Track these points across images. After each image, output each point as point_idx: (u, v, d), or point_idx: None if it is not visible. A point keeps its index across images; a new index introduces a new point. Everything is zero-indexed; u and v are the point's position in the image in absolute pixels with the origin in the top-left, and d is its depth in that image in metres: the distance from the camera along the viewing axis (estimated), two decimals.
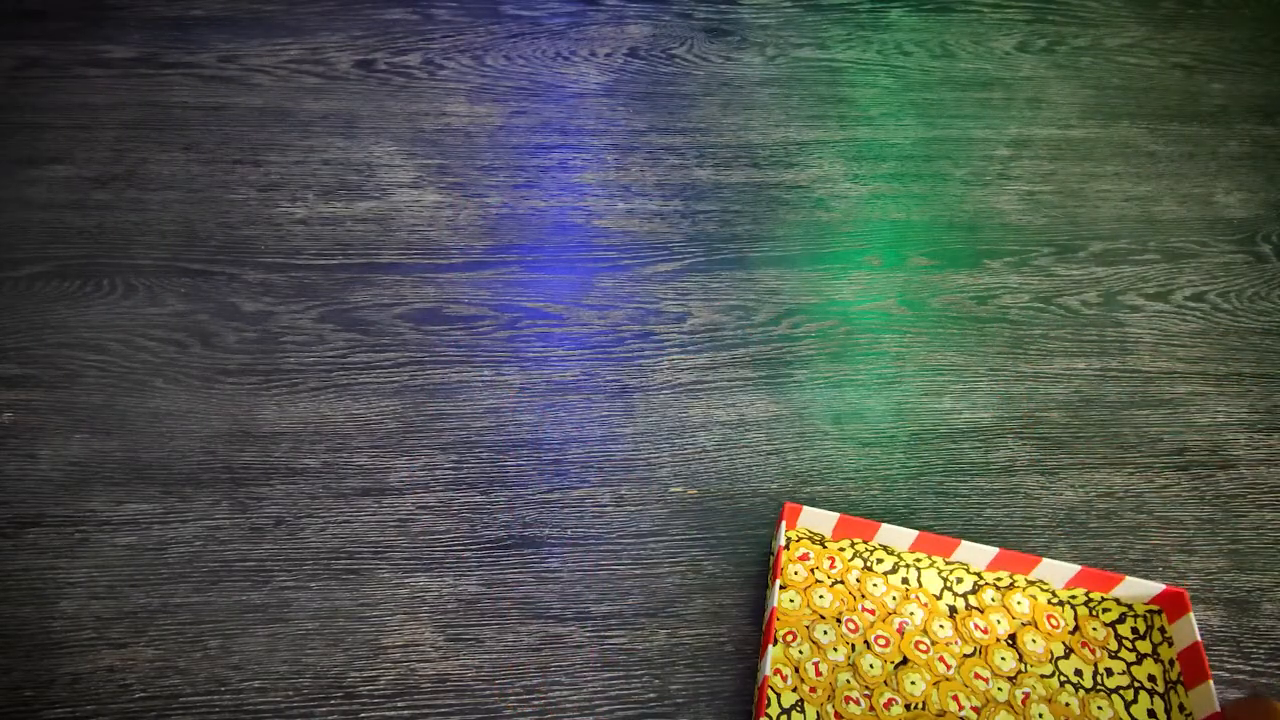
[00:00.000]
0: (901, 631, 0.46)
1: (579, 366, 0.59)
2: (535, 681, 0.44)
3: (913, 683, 0.44)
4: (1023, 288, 0.66)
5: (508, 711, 0.43)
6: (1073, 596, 0.48)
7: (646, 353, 0.60)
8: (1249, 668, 0.47)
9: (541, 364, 0.59)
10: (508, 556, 0.49)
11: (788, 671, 0.44)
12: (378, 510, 0.50)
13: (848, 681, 0.44)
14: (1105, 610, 0.47)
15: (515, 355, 0.59)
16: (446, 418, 0.55)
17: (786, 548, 0.48)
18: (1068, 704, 0.44)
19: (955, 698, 0.44)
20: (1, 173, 0.67)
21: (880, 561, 0.48)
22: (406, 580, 0.48)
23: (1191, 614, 0.44)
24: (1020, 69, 0.85)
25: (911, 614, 0.47)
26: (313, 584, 0.47)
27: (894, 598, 0.47)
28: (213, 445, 0.53)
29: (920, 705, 0.44)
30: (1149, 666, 0.45)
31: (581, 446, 0.54)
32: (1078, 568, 0.46)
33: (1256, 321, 0.65)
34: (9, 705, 0.43)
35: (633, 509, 0.51)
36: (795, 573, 0.48)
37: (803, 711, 0.43)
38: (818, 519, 0.48)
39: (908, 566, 0.48)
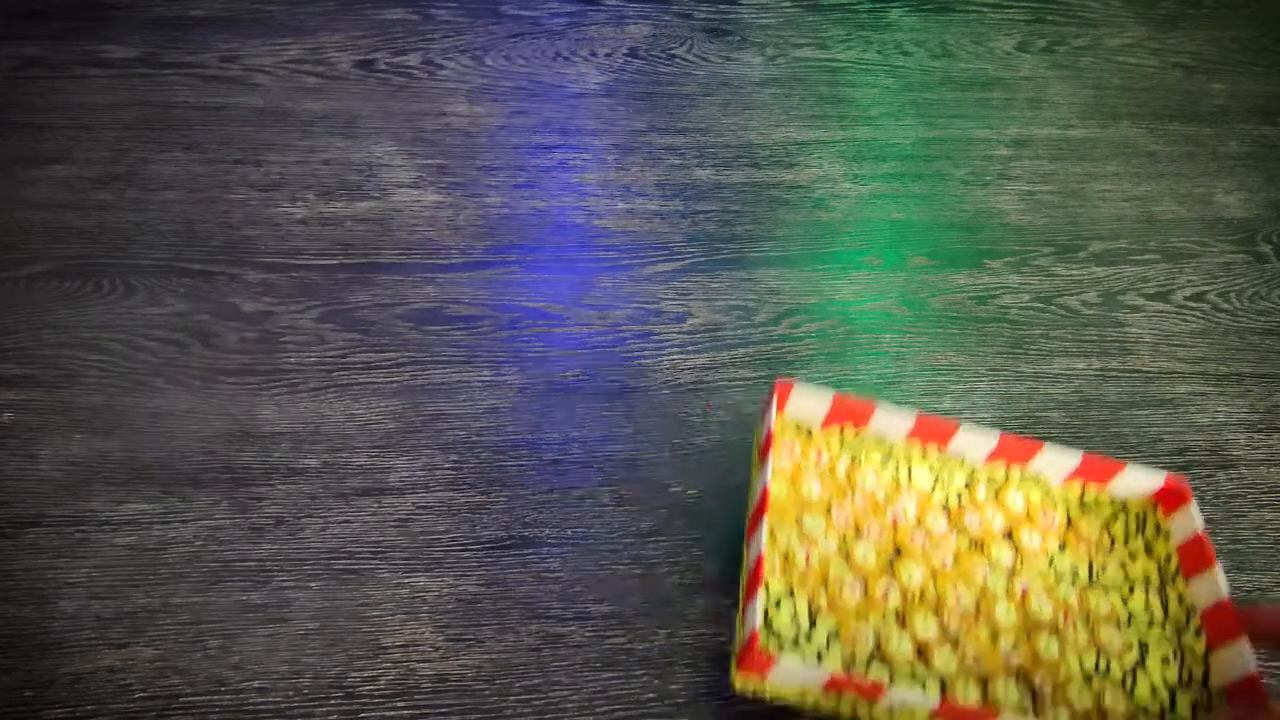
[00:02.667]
0: (895, 524, 0.45)
1: (579, 366, 0.59)
2: (535, 681, 0.44)
3: (910, 575, 0.43)
4: (1023, 288, 0.66)
5: (508, 711, 0.43)
6: (1067, 494, 0.46)
7: (646, 353, 0.60)
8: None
9: (541, 364, 0.59)
10: (508, 556, 0.49)
11: (776, 561, 0.42)
12: (378, 510, 0.50)
13: (841, 571, 0.42)
14: (1099, 507, 0.46)
15: (515, 355, 0.59)
16: (446, 418, 0.55)
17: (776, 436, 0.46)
18: (1065, 597, 0.43)
19: (955, 587, 0.43)
20: (1, 173, 0.67)
21: (870, 455, 0.47)
22: (406, 580, 0.48)
23: (1192, 503, 0.43)
24: (1020, 69, 0.85)
25: (905, 508, 0.45)
26: (313, 584, 0.47)
27: (884, 491, 0.46)
28: (213, 445, 0.53)
29: (919, 595, 0.42)
30: (1143, 563, 0.44)
31: (581, 446, 0.54)
32: (1079, 455, 0.44)
33: (1257, 321, 0.66)
34: (9, 705, 0.43)
35: (633, 509, 0.51)
36: (781, 462, 0.46)
37: (793, 599, 0.41)
38: (810, 397, 0.46)
39: (898, 462, 0.46)
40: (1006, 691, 0.39)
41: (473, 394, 0.57)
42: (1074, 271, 0.68)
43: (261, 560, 0.48)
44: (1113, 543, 0.45)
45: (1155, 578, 0.44)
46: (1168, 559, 0.44)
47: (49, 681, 0.43)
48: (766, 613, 0.40)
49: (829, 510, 0.44)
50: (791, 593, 0.41)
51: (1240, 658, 0.38)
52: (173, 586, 0.47)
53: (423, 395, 0.56)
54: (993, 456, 0.46)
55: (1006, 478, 0.46)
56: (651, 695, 0.44)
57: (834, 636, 0.40)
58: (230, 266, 0.62)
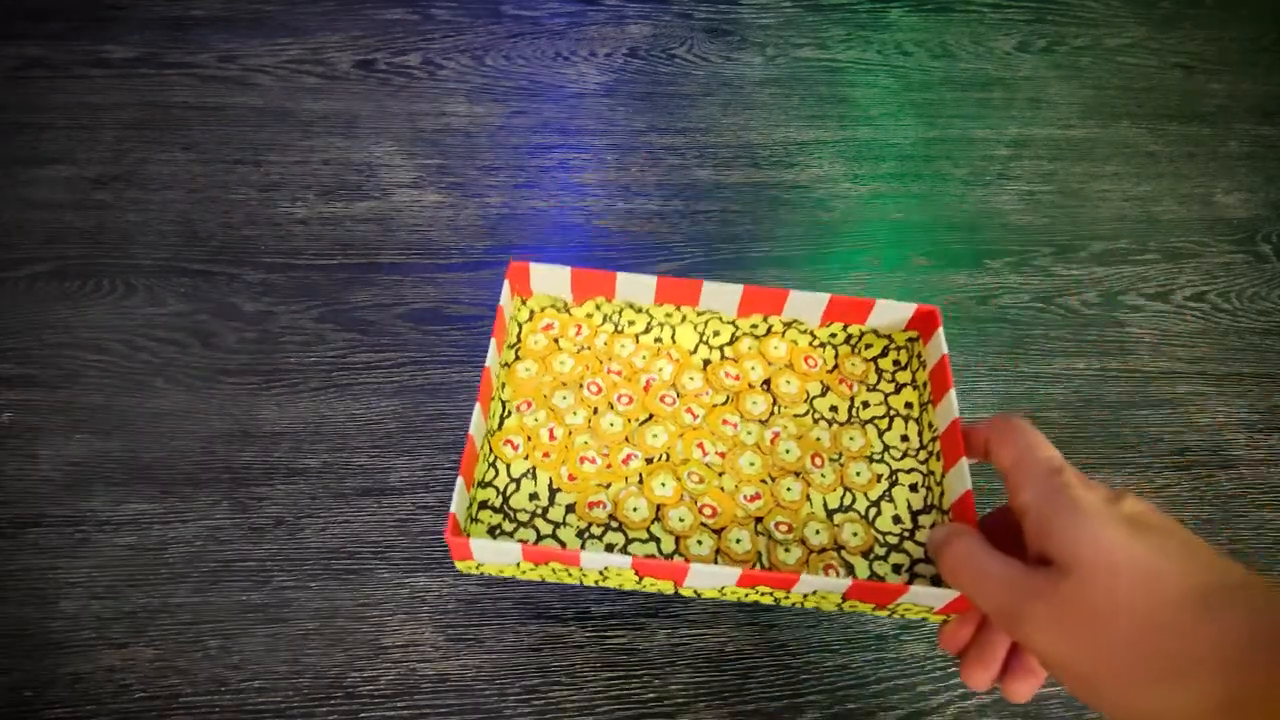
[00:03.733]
0: (648, 388, 0.44)
1: None
2: (535, 681, 0.44)
3: (654, 435, 0.42)
4: (1023, 288, 0.66)
5: (508, 711, 0.43)
6: (833, 335, 0.46)
7: None
8: None
9: None
10: None
11: (519, 440, 0.41)
12: (378, 510, 0.50)
13: (585, 443, 0.42)
14: (867, 346, 0.45)
15: None
16: (446, 418, 0.55)
17: (529, 320, 0.46)
18: (819, 438, 0.42)
19: (700, 445, 0.42)
20: (1, 173, 0.67)
21: (631, 324, 0.45)
22: (406, 580, 0.48)
23: (940, 330, 0.43)
24: (1020, 69, 0.85)
25: (660, 369, 0.44)
26: (313, 584, 0.47)
27: (644, 356, 0.45)
28: (213, 445, 0.53)
29: (663, 456, 0.42)
30: (906, 394, 0.44)
31: None
32: (827, 297, 0.44)
33: (1257, 321, 0.66)
34: (9, 705, 0.43)
35: None
36: (535, 342, 0.45)
37: (534, 478, 0.40)
38: (550, 276, 0.44)
39: (660, 325, 0.45)
40: (738, 541, 0.39)
41: (473, 394, 0.57)
42: (1074, 271, 0.68)
43: (261, 560, 0.48)
44: (880, 377, 0.45)
45: (916, 408, 0.44)
46: (924, 387, 0.44)
47: (49, 681, 0.43)
48: (506, 492, 0.40)
49: (581, 385, 0.43)
50: (534, 472, 0.41)
51: (961, 477, 0.38)
52: (173, 586, 0.47)
53: (423, 395, 0.56)
54: (744, 309, 0.45)
55: (769, 329, 0.46)
56: (652, 695, 0.44)
57: (570, 509, 0.40)
58: (230, 266, 0.62)
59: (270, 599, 0.47)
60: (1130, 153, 0.78)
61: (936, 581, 0.38)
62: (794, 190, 0.72)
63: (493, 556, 0.36)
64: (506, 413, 0.42)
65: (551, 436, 0.41)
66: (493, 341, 0.41)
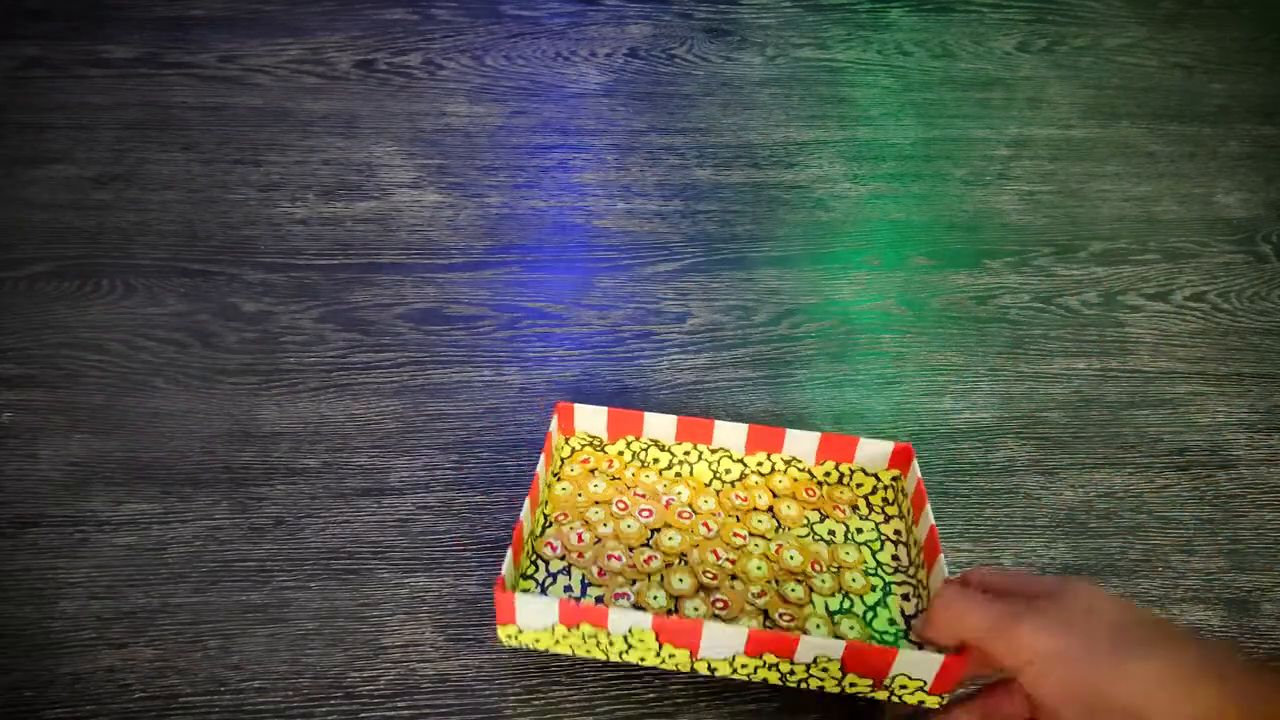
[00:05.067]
0: (668, 506, 0.50)
1: (579, 366, 0.59)
2: (535, 681, 0.44)
3: (671, 538, 0.48)
4: (1023, 288, 0.66)
5: (508, 711, 0.43)
6: (827, 474, 0.52)
7: (646, 353, 0.60)
8: None
9: (541, 364, 0.59)
10: None
11: (558, 544, 0.47)
12: (378, 510, 0.50)
13: (613, 546, 0.47)
14: (858, 486, 0.51)
15: (515, 355, 0.59)
16: (446, 418, 0.55)
17: (570, 455, 0.52)
18: (818, 552, 0.48)
19: (714, 551, 0.47)
20: (1, 173, 0.67)
21: (656, 460, 0.52)
22: (406, 580, 0.48)
23: (915, 463, 0.48)
24: (1020, 69, 0.85)
25: (679, 493, 0.50)
26: (313, 584, 0.47)
27: (665, 484, 0.51)
28: (213, 445, 0.53)
29: (679, 558, 0.47)
30: (894, 524, 0.50)
31: None
32: (818, 436, 0.50)
33: (1256, 321, 0.65)
34: (9, 705, 0.43)
35: None
36: (573, 470, 0.51)
37: (569, 574, 0.46)
38: (590, 416, 0.52)
39: (680, 462, 0.52)
40: (746, 624, 0.44)
41: (473, 394, 0.57)
42: (1074, 271, 0.68)
43: (261, 560, 0.48)
44: (870, 509, 0.50)
45: (905, 534, 0.49)
46: (908, 513, 0.49)
47: (49, 681, 0.43)
48: (544, 584, 0.45)
49: (610, 504, 0.49)
50: (569, 570, 0.46)
51: (939, 572, 0.43)
52: (173, 586, 0.47)
53: (423, 395, 0.56)
54: (751, 446, 0.52)
55: (773, 467, 0.52)
56: (652, 695, 0.44)
57: (599, 600, 0.45)
58: (230, 266, 0.62)
59: (270, 599, 0.47)
60: (1130, 153, 0.78)
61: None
62: (794, 190, 0.72)
63: (532, 616, 0.40)
64: (548, 523, 0.48)
65: (579, 539, 0.47)
66: (542, 456, 0.47)
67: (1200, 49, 0.88)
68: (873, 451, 0.51)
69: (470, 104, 0.76)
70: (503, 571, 0.41)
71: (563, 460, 0.52)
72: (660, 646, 0.40)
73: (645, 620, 0.39)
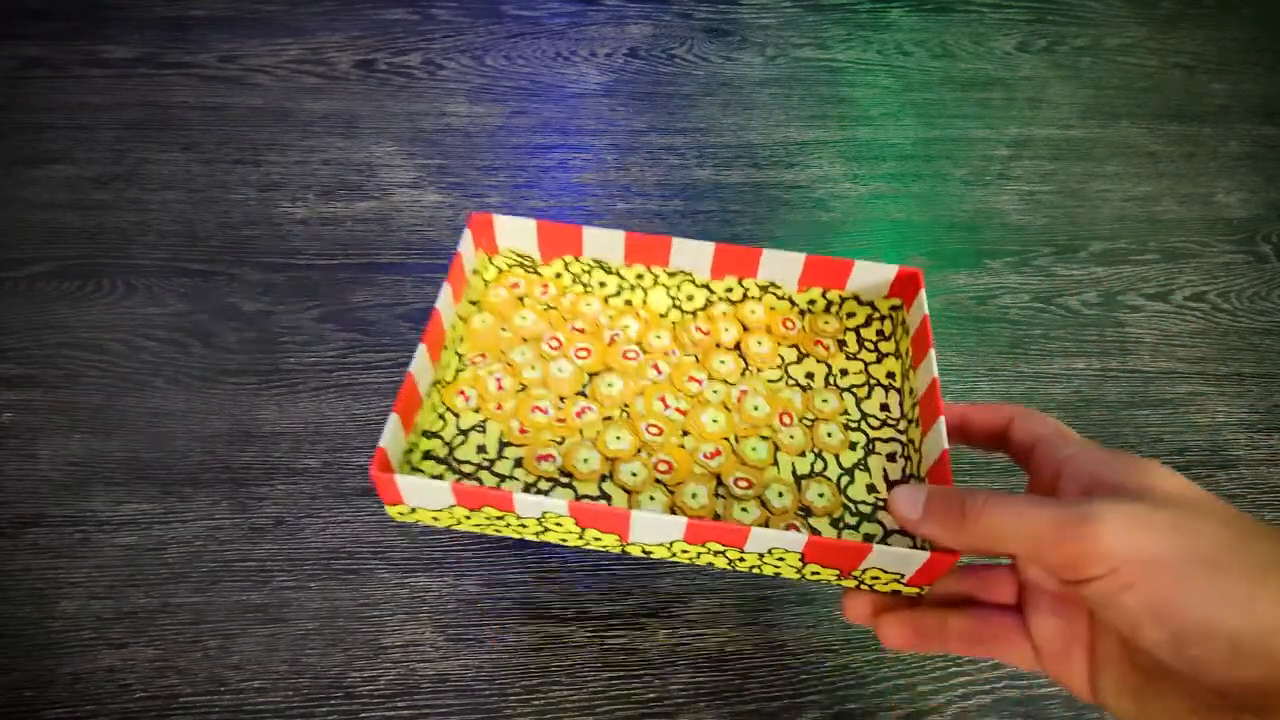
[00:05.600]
0: (611, 343, 0.41)
1: None
2: (535, 681, 0.44)
3: (609, 385, 0.39)
4: (1023, 288, 0.66)
5: (508, 711, 0.43)
6: (812, 303, 0.42)
7: None
8: None
9: None
10: (508, 556, 0.49)
11: (472, 392, 0.39)
12: (378, 510, 0.50)
13: (540, 394, 0.39)
14: (849, 316, 0.42)
15: None
16: None
17: (495, 277, 0.43)
18: (789, 399, 0.40)
19: (662, 398, 0.39)
20: (1, 173, 0.67)
21: (602, 285, 0.43)
22: (406, 580, 0.48)
23: (923, 293, 0.40)
24: (1020, 69, 0.85)
25: (625, 327, 0.42)
26: (313, 584, 0.47)
27: (610, 315, 0.42)
28: (213, 445, 0.53)
29: (622, 411, 0.39)
30: (888, 364, 0.41)
31: None
32: (803, 257, 0.41)
33: (1257, 321, 0.65)
34: (9, 705, 0.43)
35: None
36: (497, 295, 0.42)
37: (484, 431, 0.38)
38: (516, 231, 0.42)
39: (631, 287, 0.43)
40: (694, 496, 0.36)
41: None
42: (1074, 271, 0.68)
43: (261, 560, 0.48)
44: (861, 345, 0.42)
45: (899, 378, 0.40)
46: (906, 354, 0.40)
47: (49, 681, 0.43)
48: (453, 444, 0.37)
49: (541, 341, 0.41)
50: (484, 425, 0.38)
51: (937, 438, 0.35)
52: (173, 586, 0.47)
53: None
54: (718, 269, 0.42)
55: (745, 294, 0.43)
56: (652, 695, 0.44)
57: (519, 463, 0.37)
58: (230, 266, 0.62)
59: (270, 599, 0.47)
60: (1130, 153, 0.78)
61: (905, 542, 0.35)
62: (794, 190, 0.72)
63: (421, 498, 0.33)
64: (462, 366, 0.40)
65: (499, 386, 0.39)
66: (446, 286, 0.38)
67: (1200, 49, 0.88)
68: (872, 277, 0.42)
69: (470, 104, 0.76)
70: (383, 442, 0.32)
71: (486, 283, 0.43)
72: (583, 531, 0.33)
73: (560, 506, 0.31)
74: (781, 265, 0.41)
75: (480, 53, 0.81)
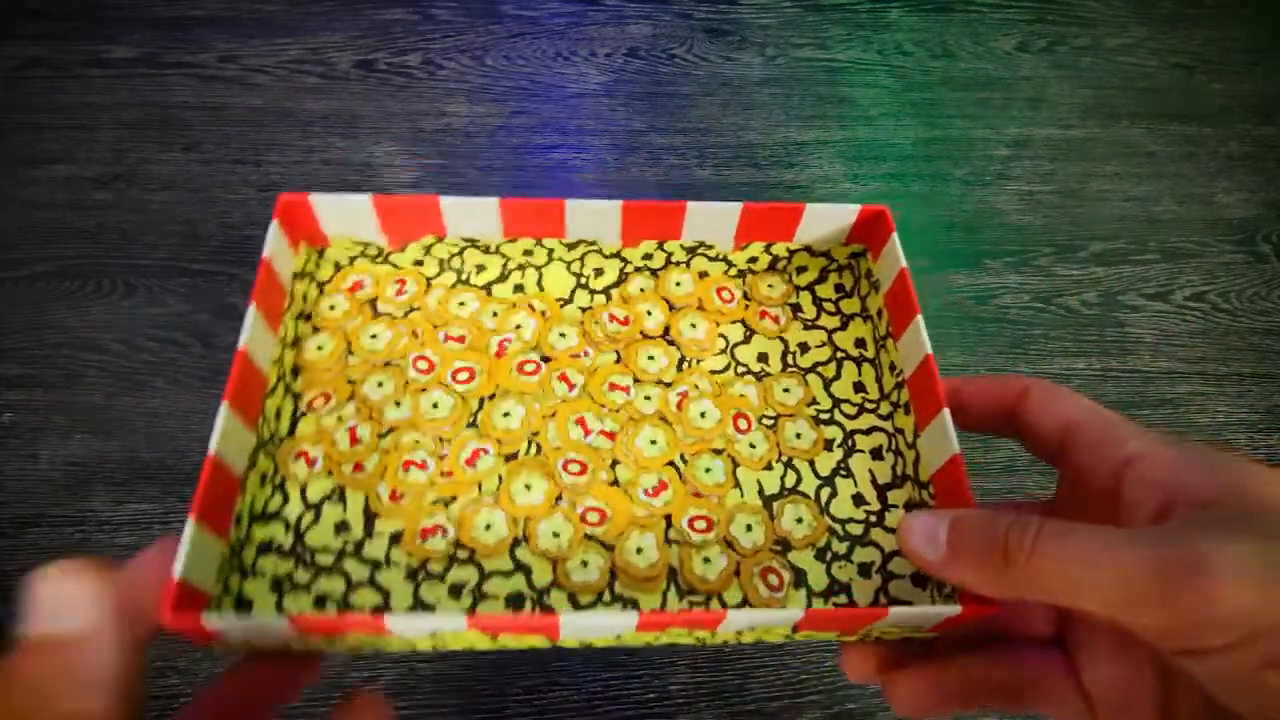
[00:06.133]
0: (501, 353, 0.32)
1: None
2: (535, 682, 0.44)
3: (506, 415, 0.30)
4: (1023, 288, 0.66)
5: (508, 711, 0.43)
6: (752, 260, 0.34)
7: None
8: None
9: None
10: None
11: (316, 451, 0.29)
12: None
13: (414, 442, 0.29)
14: (800, 271, 0.34)
15: None
16: None
17: (331, 278, 0.33)
18: (743, 395, 0.32)
19: (581, 421, 0.30)
20: (1, 173, 0.67)
21: (481, 268, 0.33)
22: None
23: (895, 237, 0.31)
24: (1020, 69, 0.85)
25: (518, 327, 0.32)
26: None
27: (494, 313, 0.33)
28: None
29: (530, 446, 0.30)
30: (856, 329, 0.33)
31: None
32: (739, 206, 0.32)
33: (1257, 321, 0.65)
34: None
35: None
36: (331, 307, 0.32)
37: (342, 501, 0.28)
38: (345, 213, 0.31)
39: (521, 268, 0.34)
40: (639, 552, 0.28)
41: None
42: (1074, 271, 0.68)
43: None
44: (820, 309, 0.34)
45: (871, 346, 0.33)
46: (879, 315, 0.33)
47: None
48: (300, 525, 0.28)
49: (405, 364, 0.31)
50: (341, 493, 0.28)
51: (942, 436, 0.28)
52: None
53: None
54: (630, 234, 0.33)
55: (669, 259, 0.34)
56: (652, 695, 0.44)
57: (396, 540, 0.28)
58: (230, 266, 0.62)
59: None
60: (1130, 153, 0.78)
61: (916, 582, 0.28)
62: (794, 190, 0.72)
63: (245, 633, 0.23)
64: (299, 412, 0.30)
65: (354, 439, 0.29)
66: (252, 309, 0.28)
67: (1200, 49, 0.88)
68: (826, 225, 0.33)
69: (470, 104, 0.76)
70: (177, 570, 0.22)
71: (320, 289, 0.32)
72: (496, 638, 0.24)
73: (456, 624, 0.23)
74: (711, 220, 0.32)
75: (480, 53, 0.81)
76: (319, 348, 0.31)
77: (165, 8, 0.82)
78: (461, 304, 0.33)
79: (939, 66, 0.84)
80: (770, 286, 0.34)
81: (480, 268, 0.34)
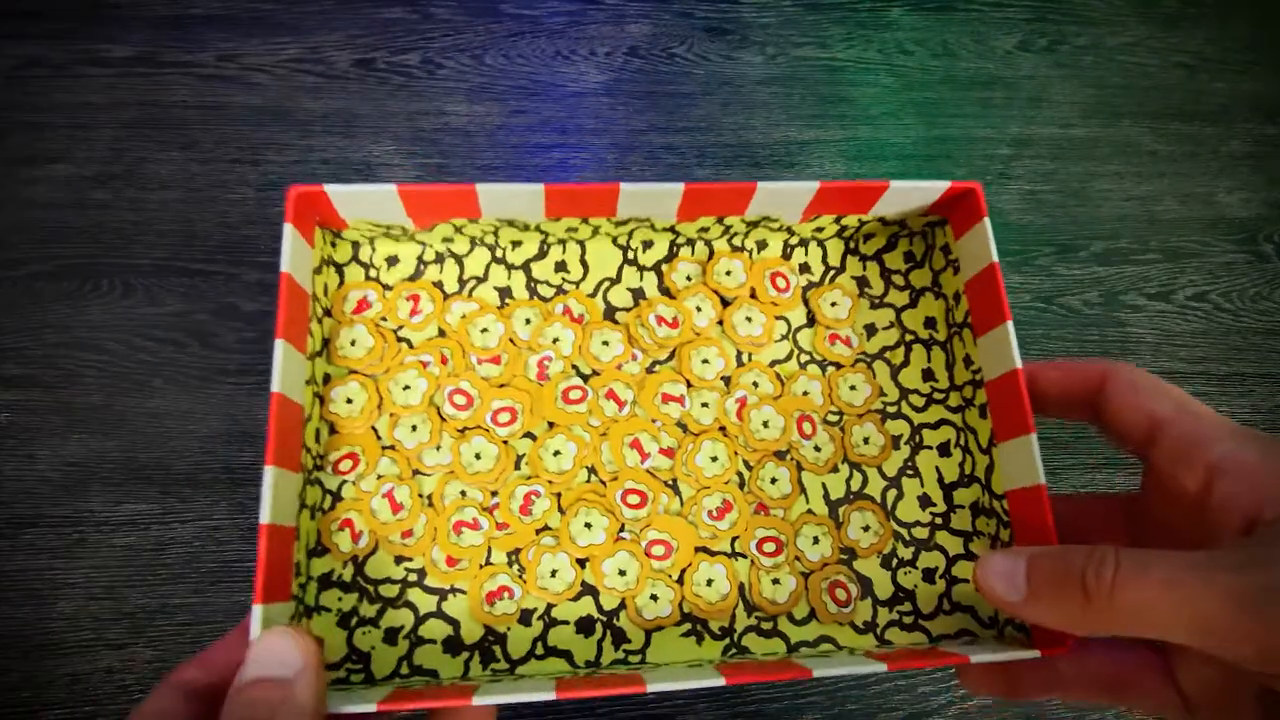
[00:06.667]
0: (543, 374, 0.29)
1: None
2: None
3: (557, 454, 0.28)
4: (1023, 288, 0.66)
5: (508, 711, 0.43)
6: (818, 230, 0.30)
7: None
8: None
9: None
10: None
11: (362, 525, 0.27)
12: None
13: (458, 494, 0.27)
14: (867, 239, 0.31)
15: None
16: None
17: (344, 263, 0.29)
18: (805, 393, 0.30)
19: (636, 444, 0.28)
20: (1, 173, 0.67)
21: (518, 245, 0.30)
22: None
23: (986, 220, 0.29)
24: (1021, 68, 0.84)
25: (555, 341, 0.29)
26: None
27: (528, 320, 0.29)
28: (212, 445, 0.52)
29: (589, 473, 0.28)
30: (926, 307, 0.31)
31: None
32: (816, 185, 0.28)
33: (1258, 321, 0.65)
34: (7, 705, 0.42)
35: None
36: (353, 342, 0.28)
37: (403, 582, 0.27)
38: (365, 201, 0.27)
39: (563, 243, 0.30)
40: (710, 583, 0.27)
41: None
42: (1075, 271, 0.67)
43: None
44: (887, 286, 0.31)
45: (942, 328, 0.31)
46: (956, 299, 0.30)
47: (47, 682, 0.43)
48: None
49: (439, 406, 0.28)
50: (375, 555, 0.27)
51: (1026, 455, 0.26)
52: (171, 587, 0.47)
53: None
54: (687, 211, 0.28)
55: (728, 231, 0.30)
56: (652, 696, 0.44)
57: (464, 612, 0.27)
58: (229, 266, 0.62)
59: None
60: (1132, 152, 0.77)
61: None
62: None
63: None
64: (320, 468, 0.28)
65: (395, 505, 0.27)
66: (279, 345, 0.26)
67: (1201, 48, 0.88)
68: (906, 202, 0.29)
69: (470, 103, 0.76)
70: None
71: (341, 273, 0.29)
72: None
73: (545, 693, 0.22)
74: (782, 199, 0.29)
75: (479, 52, 0.81)
76: (349, 401, 0.28)
77: (164, 7, 0.82)
78: (485, 331, 0.29)
79: (940, 65, 0.84)
80: (850, 267, 0.31)
81: (516, 244, 0.30)
